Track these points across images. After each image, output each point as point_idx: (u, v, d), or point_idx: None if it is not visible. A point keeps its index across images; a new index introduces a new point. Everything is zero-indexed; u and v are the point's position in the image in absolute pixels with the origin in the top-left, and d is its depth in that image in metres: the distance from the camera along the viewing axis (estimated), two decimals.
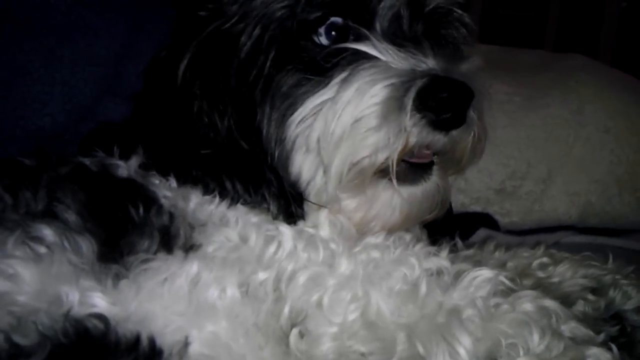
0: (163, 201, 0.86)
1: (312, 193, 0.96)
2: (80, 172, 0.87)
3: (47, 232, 0.75)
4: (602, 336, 0.82)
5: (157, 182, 0.90)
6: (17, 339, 0.65)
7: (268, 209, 0.93)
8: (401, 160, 0.93)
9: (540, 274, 1.00)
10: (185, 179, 0.92)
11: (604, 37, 4.55)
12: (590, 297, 0.96)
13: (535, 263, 1.02)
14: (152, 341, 0.70)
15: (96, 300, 0.71)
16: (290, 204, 0.94)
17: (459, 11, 1.07)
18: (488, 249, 1.08)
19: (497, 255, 1.07)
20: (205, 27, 1.01)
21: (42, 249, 0.74)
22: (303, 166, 0.96)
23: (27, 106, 1.17)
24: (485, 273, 0.83)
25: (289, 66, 0.96)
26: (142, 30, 1.36)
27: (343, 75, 0.93)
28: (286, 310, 0.79)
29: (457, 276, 0.83)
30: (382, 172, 0.94)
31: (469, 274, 0.82)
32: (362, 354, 0.78)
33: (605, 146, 1.59)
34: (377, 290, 0.80)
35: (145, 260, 0.77)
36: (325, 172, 0.94)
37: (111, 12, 1.30)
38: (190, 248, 0.81)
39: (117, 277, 0.74)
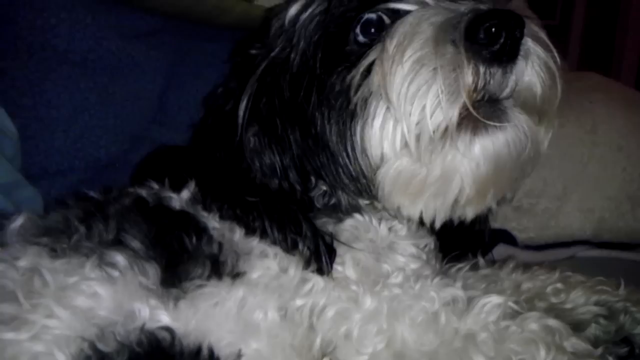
0: (212, 232, 0.95)
1: (388, 174, 0.92)
2: (140, 205, 0.98)
3: (119, 259, 0.86)
4: (599, 350, 0.89)
5: (206, 214, 0.98)
6: (101, 346, 0.77)
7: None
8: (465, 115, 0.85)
9: (554, 300, 1.07)
10: (229, 217, 0.96)
11: (628, 47, 4.56)
12: (602, 321, 1.02)
13: (550, 288, 1.08)
14: (211, 351, 0.81)
15: (162, 317, 0.82)
16: (321, 259, 0.94)
17: None
18: (506, 270, 1.14)
19: (513, 276, 1.13)
20: (258, 65, 1.03)
21: (116, 273, 0.84)
22: (381, 145, 0.90)
23: (85, 139, 1.28)
24: (494, 299, 0.89)
25: (339, 68, 0.95)
26: (182, 63, 1.47)
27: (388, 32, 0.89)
28: (318, 341, 0.88)
29: (470, 302, 0.90)
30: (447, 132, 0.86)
31: (480, 301, 0.89)
32: None
33: (618, 164, 1.63)
34: (401, 322, 0.88)
35: (200, 286, 0.87)
36: (401, 140, 0.88)
37: (155, 48, 1.41)
38: (236, 275, 0.90)
39: (177, 299, 0.85)
